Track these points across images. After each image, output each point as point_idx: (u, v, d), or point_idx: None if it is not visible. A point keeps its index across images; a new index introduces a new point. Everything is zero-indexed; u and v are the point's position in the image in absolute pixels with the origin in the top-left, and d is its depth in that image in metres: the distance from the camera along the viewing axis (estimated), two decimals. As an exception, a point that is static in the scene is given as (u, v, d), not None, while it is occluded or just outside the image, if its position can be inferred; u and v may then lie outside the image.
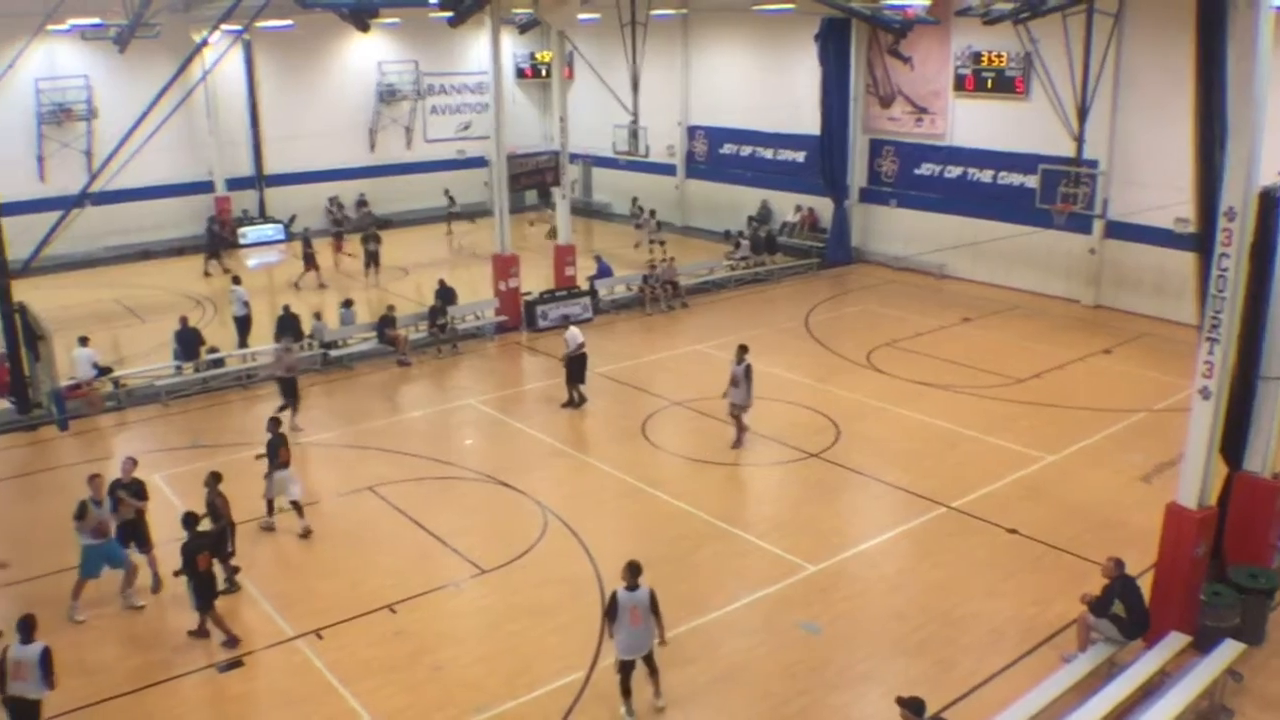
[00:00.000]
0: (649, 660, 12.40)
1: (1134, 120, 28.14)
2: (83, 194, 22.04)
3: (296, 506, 17.16)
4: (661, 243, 36.38)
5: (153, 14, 30.15)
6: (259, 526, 17.08)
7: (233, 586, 15.25)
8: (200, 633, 14.06)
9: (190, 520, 14.10)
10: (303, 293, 32.02)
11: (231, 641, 13.93)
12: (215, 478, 15.52)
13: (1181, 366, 20.88)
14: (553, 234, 38.31)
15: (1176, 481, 13.43)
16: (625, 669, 12.26)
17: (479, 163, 44.36)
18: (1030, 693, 11.93)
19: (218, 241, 36.41)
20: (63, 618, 14.30)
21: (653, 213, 39.26)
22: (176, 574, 14.14)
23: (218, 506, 15.29)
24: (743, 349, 20.06)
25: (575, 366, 22.61)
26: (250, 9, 23.54)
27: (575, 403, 22.65)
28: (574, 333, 22.90)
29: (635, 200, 41.59)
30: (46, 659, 11.34)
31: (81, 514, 14.53)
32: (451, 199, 41.83)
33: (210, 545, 14.22)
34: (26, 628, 11.51)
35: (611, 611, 12.17)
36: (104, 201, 24.86)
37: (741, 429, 20.42)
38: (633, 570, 12.19)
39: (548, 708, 12.59)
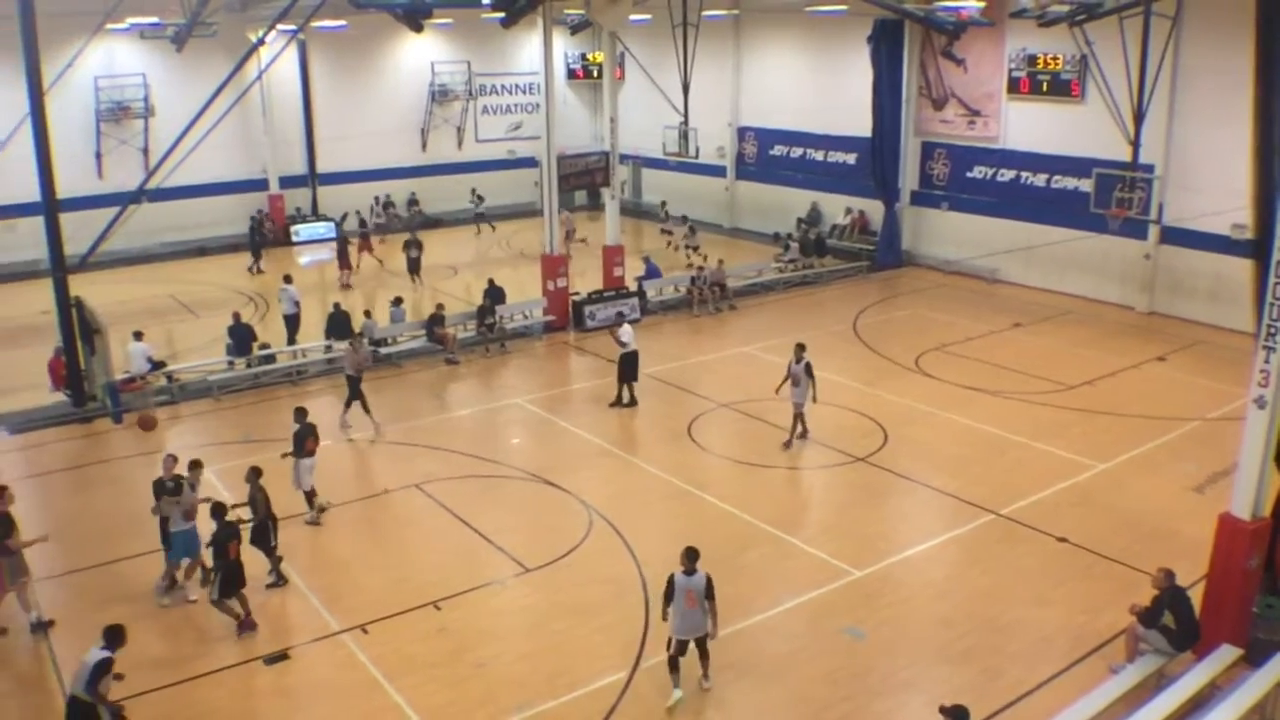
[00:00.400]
0: (701, 644, 12.59)
1: (1191, 124, 27.71)
2: (139, 190, 22.49)
3: (309, 495, 17.47)
4: (696, 247, 36.02)
5: (210, 13, 30.57)
6: (305, 521, 17.28)
7: (279, 580, 15.44)
8: (248, 625, 14.25)
9: (219, 510, 14.36)
10: (350, 290, 32.36)
11: (248, 624, 14.20)
12: (256, 472, 15.64)
13: (1237, 375, 20.55)
14: (572, 235, 38.19)
15: (1230, 492, 13.18)
16: (679, 647, 12.44)
17: (529, 163, 44.58)
18: (1077, 703, 11.77)
19: (259, 240, 36.75)
20: (112, 610, 14.43)
21: (684, 218, 38.96)
22: (213, 569, 14.38)
23: (259, 501, 15.46)
24: (800, 347, 20.01)
25: (625, 366, 22.65)
26: (305, 9, 23.81)
27: (624, 402, 22.69)
28: (625, 329, 23.00)
29: (664, 204, 41.39)
30: (98, 669, 11.23)
31: (177, 491, 14.94)
32: (479, 198, 41.94)
33: (239, 535, 14.43)
34: (108, 636, 11.50)
35: (668, 594, 12.43)
36: (160, 198, 25.18)
37: (803, 427, 20.39)
38: (690, 556, 12.42)
39: (589, 708, 12.59)
